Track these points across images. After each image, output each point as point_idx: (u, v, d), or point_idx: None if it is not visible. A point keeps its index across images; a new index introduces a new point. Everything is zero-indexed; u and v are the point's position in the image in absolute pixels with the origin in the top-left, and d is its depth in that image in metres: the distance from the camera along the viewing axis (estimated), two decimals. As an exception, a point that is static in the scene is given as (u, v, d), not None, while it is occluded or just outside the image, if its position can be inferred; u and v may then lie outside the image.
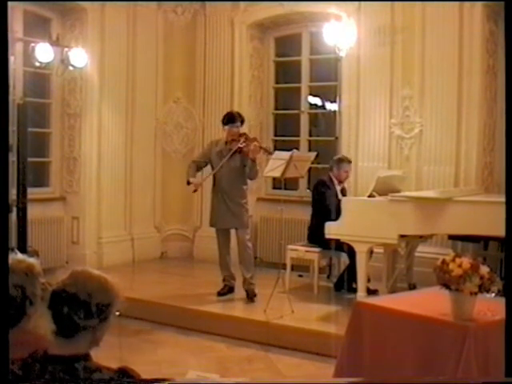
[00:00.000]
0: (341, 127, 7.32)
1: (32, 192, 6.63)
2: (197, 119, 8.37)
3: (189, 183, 6.13)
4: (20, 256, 2.29)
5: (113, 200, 7.79)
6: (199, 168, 6.26)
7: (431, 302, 3.48)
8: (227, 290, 6.24)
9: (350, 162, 6.59)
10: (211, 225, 6.29)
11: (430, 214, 5.30)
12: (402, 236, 5.54)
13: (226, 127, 6.13)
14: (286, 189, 6.04)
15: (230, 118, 6.15)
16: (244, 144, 5.91)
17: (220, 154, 6.07)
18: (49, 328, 1.95)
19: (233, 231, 6.23)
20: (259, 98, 8.25)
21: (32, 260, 2.30)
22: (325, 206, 6.29)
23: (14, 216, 6.10)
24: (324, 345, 4.81)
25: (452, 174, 6.65)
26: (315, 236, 6.34)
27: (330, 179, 6.48)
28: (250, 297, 6.05)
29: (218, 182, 6.12)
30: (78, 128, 7.53)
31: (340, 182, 6.53)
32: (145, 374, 1.99)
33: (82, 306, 1.91)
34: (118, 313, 2.00)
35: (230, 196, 6.06)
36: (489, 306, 3.26)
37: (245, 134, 6.12)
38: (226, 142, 6.10)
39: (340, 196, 6.43)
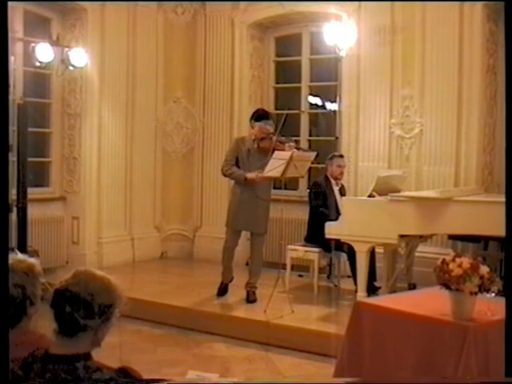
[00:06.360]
0: (341, 127, 7.33)
1: (32, 192, 6.63)
2: (197, 119, 8.38)
3: (246, 179, 5.84)
4: (20, 256, 2.29)
5: (113, 200, 7.79)
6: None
7: (431, 301, 3.48)
8: (224, 288, 6.23)
9: (341, 156, 6.64)
10: (230, 226, 6.07)
11: (430, 213, 5.30)
12: (402, 236, 5.54)
13: (257, 124, 5.93)
14: (286, 189, 6.03)
15: (262, 115, 5.98)
16: (280, 146, 5.72)
17: (248, 152, 5.94)
18: (50, 327, 1.95)
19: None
20: (259, 97, 8.25)
21: (32, 260, 2.30)
22: (320, 207, 6.31)
23: (14, 216, 6.10)
24: (324, 345, 4.81)
25: (452, 174, 6.65)
26: (313, 237, 6.36)
27: (326, 179, 6.50)
28: (250, 300, 6.04)
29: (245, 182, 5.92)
30: (78, 128, 7.53)
31: (336, 178, 6.53)
32: (145, 374, 1.99)
33: (84, 306, 1.91)
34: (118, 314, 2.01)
35: (258, 198, 5.92)
36: (489, 306, 3.25)
37: (274, 133, 5.91)
38: (254, 140, 5.96)
39: (337, 195, 6.44)
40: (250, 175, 5.85)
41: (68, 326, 1.92)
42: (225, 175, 6.15)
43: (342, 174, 6.60)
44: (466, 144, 6.63)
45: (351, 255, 5.86)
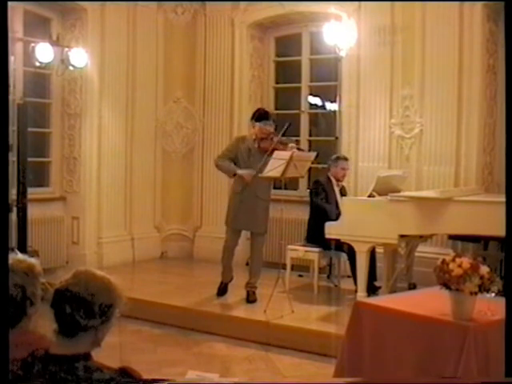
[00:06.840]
0: (341, 127, 7.32)
1: (32, 192, 6.63)
2: (197, 119, 8.38)
3: (235, 175, 5.90)
4: (20, 256, 2.29)
5: (113, 200, 7.79)
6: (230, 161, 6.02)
7: (431, 302, 3.48)
8: (224, 288, 6.23)
9: (346, 159, 6.64)
10: (230, 225, 6.08)
11: (430, 214, 5.30)
12: (402, 236, 5.54)
13: (258, 124, 5.94)
14: (286, 189, 6.03)
15: (263, 115, 5.99)
16: (281, 147, 5.73)
17: (248, 151, 5.95)
18: (50, 327, 1.95)
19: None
20: (259, 97, 8.25)
21: (32, 260, 2.30)
22: (321, 206, 6.32)
23: (14, 216, 6.10)
24: (324, 345, 4.81)
25: (452, 174, 6.65)
26: (313, 237, 6.36)
27: (328, 179, 6.51)
28: (250, 300, 6.04)
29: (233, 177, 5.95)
30: (78, 128, 7.53)
31: (338, 180, 6.54)
32: (145, 374, 1.99)
33: (84, 306, 1.91)
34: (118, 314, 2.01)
35: (258, 197, 5.93)
36: (489, 306, 3.25)
37: (275, 133, 5.92)
38: (255, 140, 5.98)
39: (338, 196, 6.45)
40: (242, 172, 5.87)
41: (68, 326, 1.92)
42: (216, 166, 6.15)
43: (344, 176, 6.61)
44: (466, 144, 6.63)
45: (351, 255, 5.86)
